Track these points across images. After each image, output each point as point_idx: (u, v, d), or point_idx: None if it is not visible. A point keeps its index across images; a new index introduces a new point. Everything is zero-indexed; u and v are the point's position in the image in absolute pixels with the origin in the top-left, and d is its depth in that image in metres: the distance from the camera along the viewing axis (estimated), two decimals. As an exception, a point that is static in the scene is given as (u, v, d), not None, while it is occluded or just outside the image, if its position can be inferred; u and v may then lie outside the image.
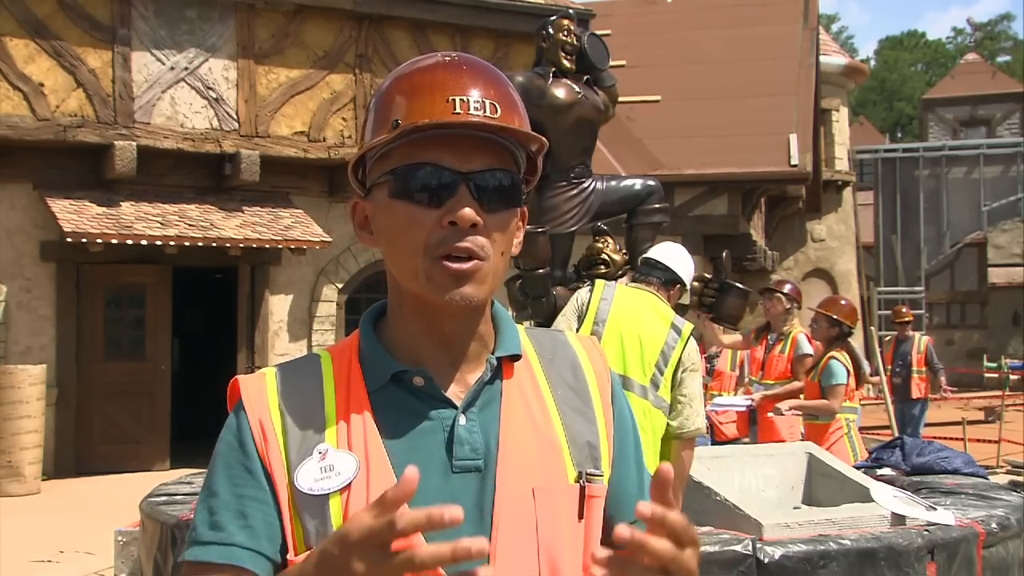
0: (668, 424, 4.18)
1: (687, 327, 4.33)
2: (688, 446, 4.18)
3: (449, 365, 1.21)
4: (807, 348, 6.86)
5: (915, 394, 10.82)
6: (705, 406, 7.22)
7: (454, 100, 1.14)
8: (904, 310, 11.56)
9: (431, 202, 1.15)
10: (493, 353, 1.23)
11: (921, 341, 11.13)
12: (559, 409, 1.24)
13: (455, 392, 1.20)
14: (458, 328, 1.20)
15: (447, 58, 1.20)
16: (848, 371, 6.33)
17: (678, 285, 4.49)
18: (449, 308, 1.16)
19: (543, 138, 1.21)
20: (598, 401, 1.27)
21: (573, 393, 1.26)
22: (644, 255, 4.65)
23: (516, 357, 1.24)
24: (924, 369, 10.94)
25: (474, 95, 1.15)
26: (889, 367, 11.21)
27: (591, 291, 4.35)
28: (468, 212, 1.13)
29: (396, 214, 1.16)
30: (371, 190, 1.21)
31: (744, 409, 7.24)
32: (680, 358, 4.23)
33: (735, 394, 8.17)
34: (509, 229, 1.19)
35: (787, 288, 7.27)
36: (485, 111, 1.15)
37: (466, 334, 1.21)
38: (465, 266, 1.14)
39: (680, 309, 5.07)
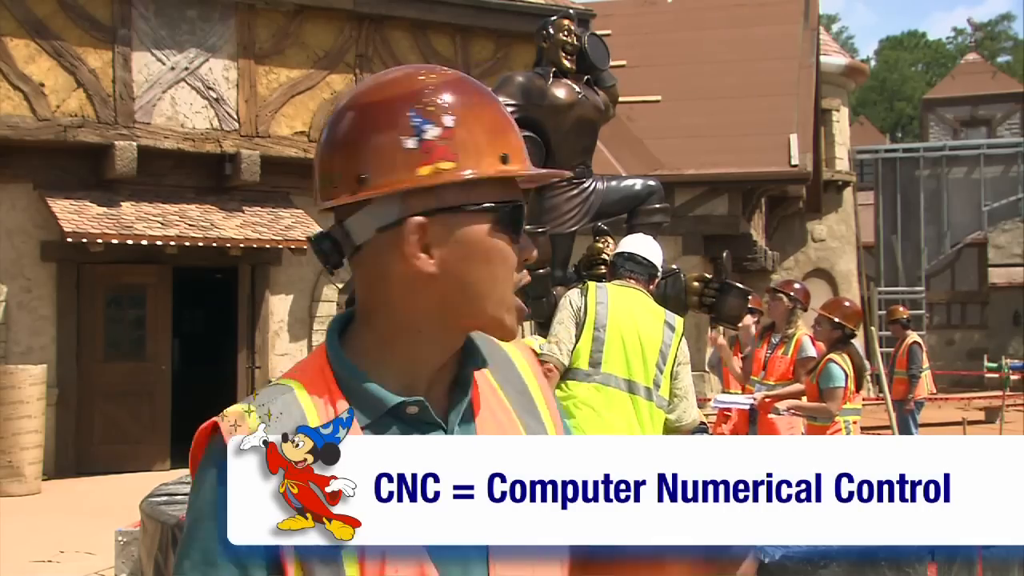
0: (666, 418, 4.21)
1: (679, 323, 4.37)
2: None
3: (431, 384, 1.20)
4: (811, 351, 6.83)
5: (894, 395, 10.66)
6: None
7: (518, 144, 1.21)
8: (901, 309, 11.49)
9: (517, 238, 1.19)
10: (463, 367, 1.22)
11: (905, 342, 10.93)
12: (518, 414, 1.24)
13: (438, 411, 1.19)
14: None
15: (485, 89, 1.23)
16: (847, 374, 6.29)
17: (656, 278, 4.52)
18: (503, 336, 1.22)
19: (554, 176, 1.27)
20: (542, 403, 1.28)
21: (522, 396, 1.27)
22: (620, 249, 4.64)
23: (483, 365, 1.23)
24: (903, 371, 10.74)
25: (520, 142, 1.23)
26: (899, 369, 11.08)
27: (583, 294, 4.33)
28: (533, 250, 1.21)
29: (498, 247, 1.17)
30: (441, 212, 1.16)
31: (746, 408, 7.23)
32: (675, 355, 4.27)
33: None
34: None
35: (795, 287, 7.23)
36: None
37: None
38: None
39: (680, 310, 5.08)
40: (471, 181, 1.15)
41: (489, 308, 1.17)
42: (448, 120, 1.15)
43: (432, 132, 1.14)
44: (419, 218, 1.14)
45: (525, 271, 1.22)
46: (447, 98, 1.16)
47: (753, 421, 7.16)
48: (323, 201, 1.18)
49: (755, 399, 7.03)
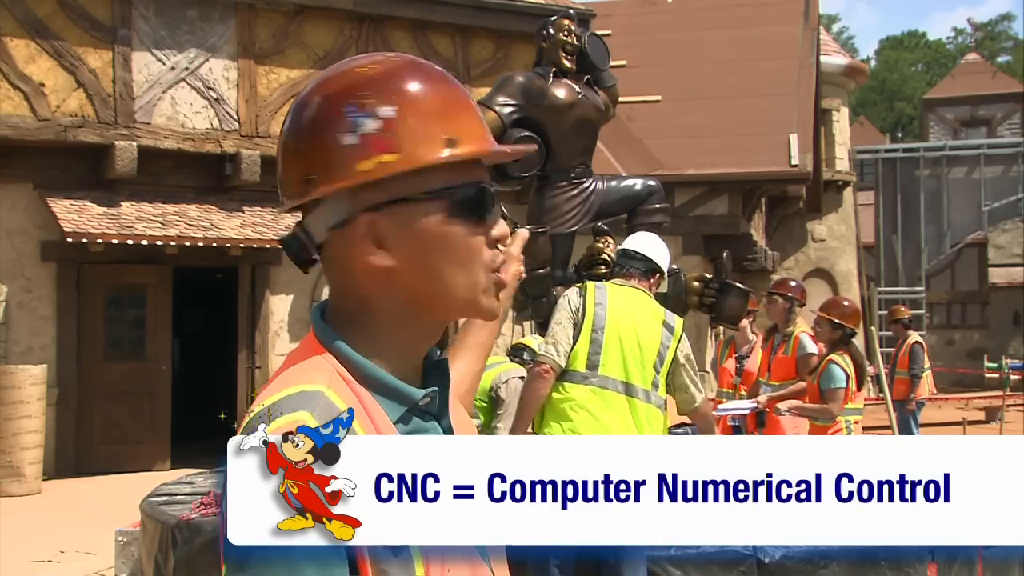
0: (678, 405, 4.31)
1: (678, 323, 4.38)
2: (707, 413, 4.54)
3: (415, 372, 1.22)
4: (810, 347, 6.82)
5: (896, 395, 10.62)
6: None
7: (484, 124, 1.21)
8: (903, 309, 11.48)
9: (481, 220, 1.17)
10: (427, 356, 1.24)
11: (907, 342, 10.91)
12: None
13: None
14: None
15: (440, 70, 1.21)
16: (848, 375, 6.29)
17: (658, 274, 4.52)
18: (483, 317, 1.22)
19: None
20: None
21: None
22: (621, 247, 4.65)
23: (443, 349, 1.28)
24: (906, 371, 10.70)
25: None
26: (901, 368, 11.06)
27: (582, 295, 4.32)
28: (507, 229, 1.21)
29: (456, 233, 1.16)
30: (390, 204, 1.15)
31: (749, 412, 7.21)
32: (673, 355, 4.28)
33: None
34: None
35: (791, 285, 7.23)
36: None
37: None
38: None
39: (680, 310, 5.08)
40: (416, 170, 1.13)
41: (461, 293, 1.17)
42: (386, 111, 1.14)
43: (370, 125, 1.13)
44: (368, 214, 1.14)
45: (513, 248, 1.25)
46: (386, 88, 1.15)
47: (761, 423, 7.17)
48: (281, 204, 1.22)
49: (758, 402, 7.02)
